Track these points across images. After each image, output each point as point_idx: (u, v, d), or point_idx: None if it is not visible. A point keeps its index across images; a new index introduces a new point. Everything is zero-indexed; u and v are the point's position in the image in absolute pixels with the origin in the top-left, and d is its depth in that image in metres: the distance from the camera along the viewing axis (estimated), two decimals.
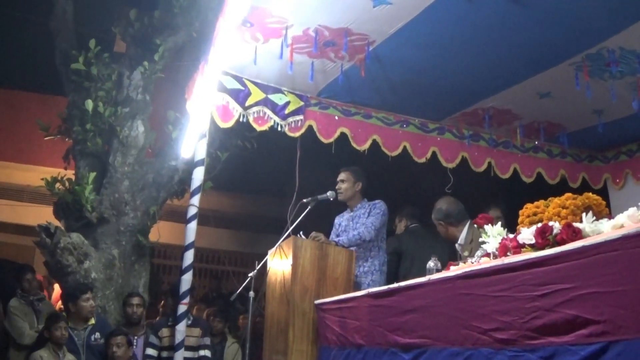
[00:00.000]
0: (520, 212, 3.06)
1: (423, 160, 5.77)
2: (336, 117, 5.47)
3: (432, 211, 4.30)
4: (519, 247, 2.67)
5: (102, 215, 5.68)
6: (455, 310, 2.69)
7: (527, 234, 2.65)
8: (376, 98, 5.39)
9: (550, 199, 2.98)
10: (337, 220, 5.10)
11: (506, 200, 5.23)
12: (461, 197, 6.31)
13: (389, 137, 5.63)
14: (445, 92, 5.19)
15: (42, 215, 5.98)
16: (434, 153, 5.79)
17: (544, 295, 2.16)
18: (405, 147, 5.67)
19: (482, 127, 5.76)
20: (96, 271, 5.44)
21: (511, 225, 3.21)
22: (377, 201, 4.89)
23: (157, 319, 6.18)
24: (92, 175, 5.70)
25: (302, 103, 5.32)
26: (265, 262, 4.57)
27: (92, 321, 4.82)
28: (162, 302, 6.95)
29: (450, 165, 5.81)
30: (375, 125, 5.61)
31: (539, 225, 2.64)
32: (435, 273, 3.34)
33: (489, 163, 5.97)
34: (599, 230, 2.40)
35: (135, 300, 5.25)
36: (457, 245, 4.13)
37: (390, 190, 6.30)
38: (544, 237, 2.54)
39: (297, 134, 5.31)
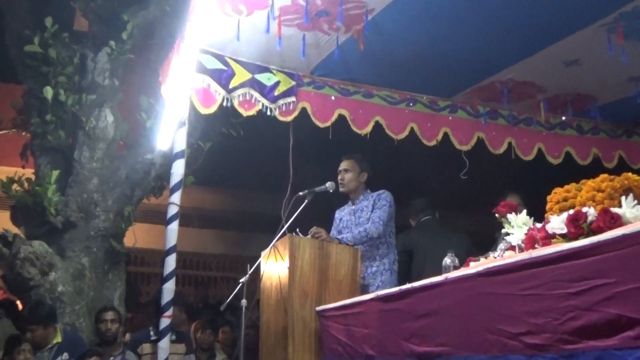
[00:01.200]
0: (549, 197, 3.03)
1: (433, 143, 5.77)
2: (333, 98, 5.46)
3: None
4: (549, 238, 2.65)
5: (68, 219, 5.64)
6: (478, 313, 2.68)
7: (557, 223, 2.64)
8: (378, 74, 5.38)
9: (582, 181, 2.95)
10: (337, 214, 5.11)
11: (530, 185, 5.22)
12: (478, 184, 6.33)
13: (393, 118, 5.62)
14: (457, 65, 5.17)
15: None
16: (445, 134, 5.79)
17: (581, 292, 2.15)
18: (412, 128, 5.67)
19: (500, 102, 5.75)
20: (63, 284, 5.40)
21: (537, 214, 3.19)
22: (381, 191, 4.89)
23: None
24: (55, 173, 5.66)
25: (293, 83, 5.31)
26: (259, 265, 4.55)
27: (58, 339, 4.79)
28: (131, 316, 6.84)
29: (465, 148, 5.82)
30: (378, 105, 5.61)
31: (571, 212, 2.62)
32: (453, 271, 3.33)
33: (509, 144, 5.97)
34: None
35: (110, 315, 5.23)
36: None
37: (396, 179, 6.30)
38: (578, 226, 2.53)
39: (289, 118, 5.31)
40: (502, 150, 5.95)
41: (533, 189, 5.01)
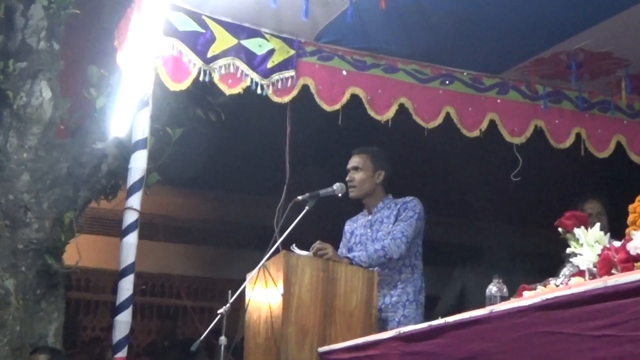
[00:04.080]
0: (631, 207, 3.05)
1: (476, 133, 5.82)
2: (344, 72, 5.51)
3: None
4: (631, 261, 2.67)
5: None
6: (533, 358, 2.68)
7: None
8: (404, 42, 5.41)
9: None
10: (347, 226, 5.13)
11: (606, 191, 5.22)
12: (535, 187, 6.31)
13: (423, 100, 5.67)
14: (510, 30, 5.20)
15: None
16: (492, 122, 5.83)
17: None
18: (448, 114, 5.72)
19: (566, 80, 5.77)
20: None
21: (614, 230, 3.24)
22: (408, 198, 4.89)
23: None
24: None
25: (292, 52, 5.35)
26: (243, 291, 4.56)
27: None
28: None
29: (518, 141, 5.86)
30: (403, 82, 5.65)
31: None
32: (500, 302, 3.33)
33: (578, 135, 5.99)
34: None
35: (42, 358, 5.22)
36: None
37: (426, 181, 6.28)
38: None
39: (287, 99, 5.35)
40: (567, 143, 5.97)
41: (610, 195, 5.02)
